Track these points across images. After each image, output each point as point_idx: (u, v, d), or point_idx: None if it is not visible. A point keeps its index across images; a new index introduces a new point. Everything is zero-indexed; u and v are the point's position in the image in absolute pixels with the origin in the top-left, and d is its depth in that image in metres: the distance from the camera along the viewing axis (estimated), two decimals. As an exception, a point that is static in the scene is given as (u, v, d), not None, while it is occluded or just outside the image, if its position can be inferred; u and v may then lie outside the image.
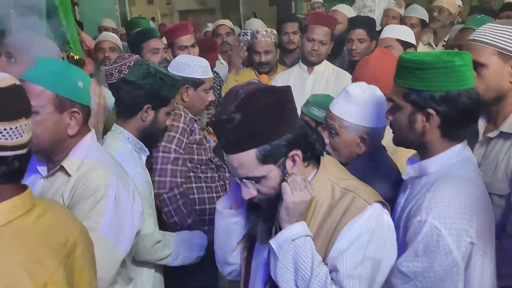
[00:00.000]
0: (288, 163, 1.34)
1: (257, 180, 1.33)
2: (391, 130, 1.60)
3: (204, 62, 2.59)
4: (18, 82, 1.08)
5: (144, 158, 2.13)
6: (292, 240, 1.33)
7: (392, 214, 1.59)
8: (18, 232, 1.02)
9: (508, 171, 1.72)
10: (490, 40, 1.68)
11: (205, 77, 2.54)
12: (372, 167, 1.80)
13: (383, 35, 3.03)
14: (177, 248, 2.08)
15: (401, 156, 1.78)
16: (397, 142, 1.58)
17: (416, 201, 1.43)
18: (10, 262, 0.96)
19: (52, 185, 1.61)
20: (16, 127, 1.04)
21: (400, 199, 1.57)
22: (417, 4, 4.32)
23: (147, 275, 2.04)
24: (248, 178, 1.33)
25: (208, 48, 3.68)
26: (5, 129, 1.02)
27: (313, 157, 1.41)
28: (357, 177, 1.74)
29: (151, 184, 2.13)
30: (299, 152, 1.34)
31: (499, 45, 1.67)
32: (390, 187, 1.71)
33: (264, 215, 1.40)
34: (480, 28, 1.76)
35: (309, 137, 1.38)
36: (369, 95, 1.79)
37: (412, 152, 1.63)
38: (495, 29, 1.69)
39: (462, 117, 1.42)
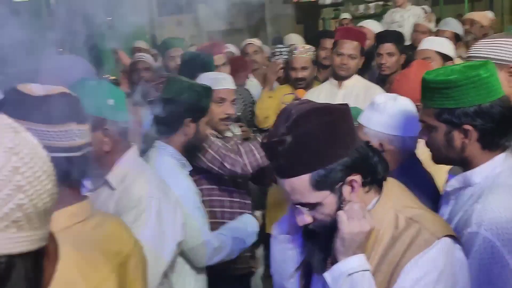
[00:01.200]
0: (346, 189, 1.22)
1: (312, 206, 1.23)
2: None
3: (216, 75, 2.58)
4: (68, 92, 1.17)
5: (186, 173, 2.15)
6: (348, 274, 1.20)
7: None
8: (75, 237, 1.06)
9: None
10: (484, 53, 1.79)
11: (216, 88, 2.48)
12: (405, 180, 1.78)
13: (422, 46, 3.02)
14: (233, 246, 2.16)
15: (439, 169, 1.76)
16: (437, 160, 1.57)
17: (464, 213, 1.41)
18: (66, 263, 0.99)
19: (97, 198, 1.66)
20: (66, 130, 1.12)
21: (443, 212, 1.54)
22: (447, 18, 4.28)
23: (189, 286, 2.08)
24: (301, 204, 1.23)
25: (239, 66, 3.75)
26: (54, 131, 1.10)
27: (374, 182, 1.28)
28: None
29: (200, 193, 2.19)
30: (357, 177, 1.22)
31: (493, 56, 1.76)
32: (426, 200, 1.67)
33: (320, 244, 1.30)
34: (473, 45, 1.90)
35: (370, 160, 1.26)
36: (392, 103, 1.80)
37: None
38: (487, 44, 1.83)
39: (500, 127, 1.41)
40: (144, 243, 1.51)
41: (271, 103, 3.54)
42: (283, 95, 3.56)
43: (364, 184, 1.25)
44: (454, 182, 1.51)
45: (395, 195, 1.32)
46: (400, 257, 1.21)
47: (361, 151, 1.25)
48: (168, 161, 2.06)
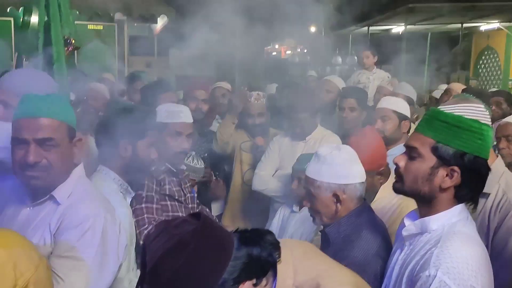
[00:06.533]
0: None
1: None
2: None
3: (174, 107, 2.54)
4: None
5: (129, 200, 2.09)
6: None
7: (385, 271, 1.58)
8: None
9: (483, 226, 2.08)
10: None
11: (171, 121, 2.44)
12: (358, 225, 1.80)
13: (380, 105, 3.10)
14: None
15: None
16: (401, 190, 1.55)
17: (421, 257, 1.43)
18: None
19: (38, 213, 1.57)
20: None
21: (398, 257, 1.56)
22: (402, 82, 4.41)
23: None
24: None
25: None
26: None
27: (269, 271, 1.27)
28: (343, 236, 1.74)
29: (134, 227, 2.08)
30: (247, 284, 1.20)
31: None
32: (378, 244, 1.74)
33: None
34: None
35: (255, 259, 1.22)
36: (337, 153, 1.84)
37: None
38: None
39: (479, 184, 1.48)
40: (86, 263, 1.46)
41: (232, 129, 3.52)
42: (242, 143, 3.54)
43: (257, 283, 1.22)
44: (412, 227, 1.52)
45: (292, 268, 1.33)
46: None
47: (240, 259, 1.20)
48: (109, 186, 1.97)
